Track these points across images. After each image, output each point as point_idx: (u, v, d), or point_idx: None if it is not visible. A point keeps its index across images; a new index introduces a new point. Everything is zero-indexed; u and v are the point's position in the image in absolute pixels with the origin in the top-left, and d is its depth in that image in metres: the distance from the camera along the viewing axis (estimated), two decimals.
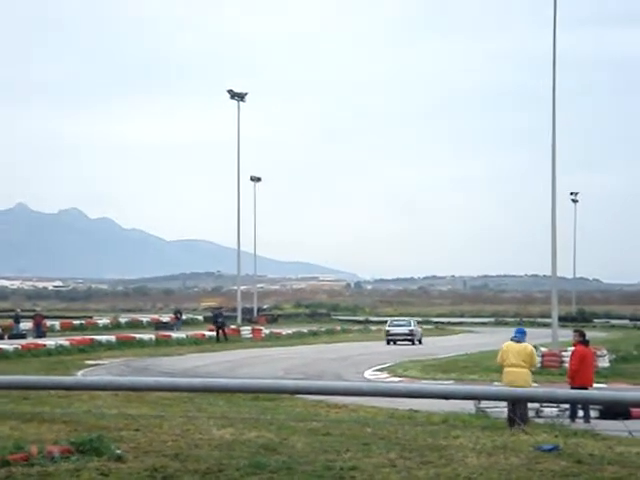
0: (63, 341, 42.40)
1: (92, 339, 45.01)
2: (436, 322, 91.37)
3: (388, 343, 56.72)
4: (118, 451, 11.40)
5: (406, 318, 66.98)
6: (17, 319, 56.06)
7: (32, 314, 60.59)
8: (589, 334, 22.21)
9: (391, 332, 59.08)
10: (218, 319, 53.80)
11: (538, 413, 18.84)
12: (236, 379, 6.02)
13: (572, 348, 21.26)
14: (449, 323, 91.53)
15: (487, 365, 34.12)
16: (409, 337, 58.04)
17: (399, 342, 56.69)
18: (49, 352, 38.93)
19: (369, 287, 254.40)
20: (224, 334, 53.16)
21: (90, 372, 31.18)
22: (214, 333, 53.69)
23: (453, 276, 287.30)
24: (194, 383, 6.16)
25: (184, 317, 75.43)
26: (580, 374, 19.37)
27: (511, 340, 18.55)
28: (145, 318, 74.06)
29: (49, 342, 41.87)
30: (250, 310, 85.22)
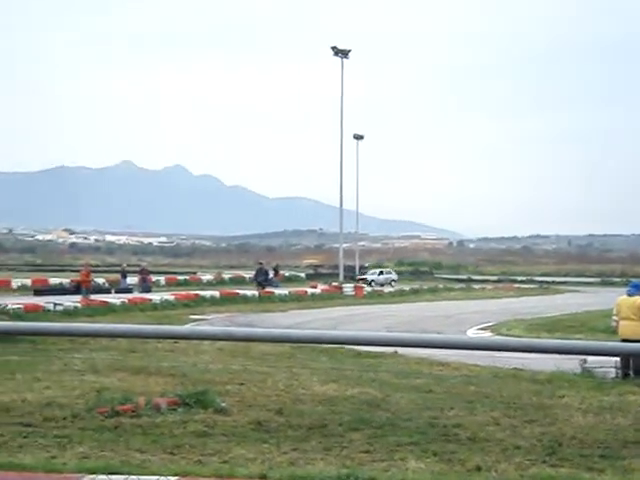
0: (168, 296, 42.97)
1: (197, 294, 45.60)
2: (540, 281, 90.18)
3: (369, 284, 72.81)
4: (223, 404, 11.54)
5: (385, 269, 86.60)
6: (124, 274, 56.93)
7: (138, 269, 61.43)
8: None
9: (368, 279, 76.64)
10: (258, 277, 51.46)
11: None
12: (348, 332, 6.10)
13: None
14: (553, 282, 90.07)
15: (593, 325, 33.53)
16: (389, 282, 76.39)
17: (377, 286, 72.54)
18: (155, 307, 39.44)
19: (472, 246, 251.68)
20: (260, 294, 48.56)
21: (195, 326, 31.60)
22: (316, 290, 53.66)
23: (558, 235, 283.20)
24: (305, 334, 6.17)
25: (286, 274, 75.96)
26: None
27: (626, 294, 18.65)
28: (248, 275, 74.73)
29: (155, 297, 42.53)
30: (352, 268, 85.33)
